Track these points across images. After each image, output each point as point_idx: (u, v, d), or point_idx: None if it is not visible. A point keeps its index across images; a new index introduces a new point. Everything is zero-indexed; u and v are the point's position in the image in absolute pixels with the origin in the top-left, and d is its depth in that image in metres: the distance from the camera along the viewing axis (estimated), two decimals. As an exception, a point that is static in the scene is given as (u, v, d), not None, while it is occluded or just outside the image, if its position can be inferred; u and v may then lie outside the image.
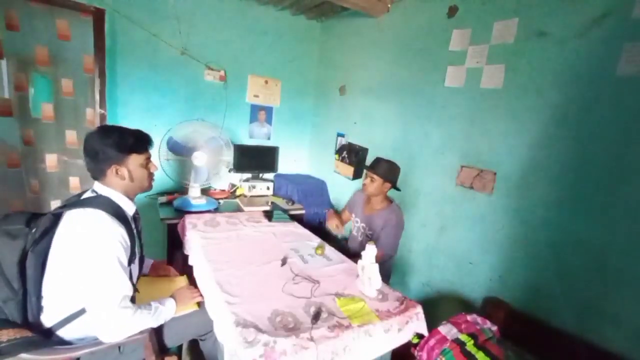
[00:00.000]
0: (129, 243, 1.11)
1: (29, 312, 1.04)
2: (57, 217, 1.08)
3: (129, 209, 1.21)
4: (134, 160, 1.18)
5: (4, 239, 1.03)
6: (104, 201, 1.12)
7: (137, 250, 1.19)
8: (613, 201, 1.26)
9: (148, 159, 1.24)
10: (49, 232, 1.05)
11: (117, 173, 1.15)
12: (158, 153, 2.12)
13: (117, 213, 1.12)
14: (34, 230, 1.05)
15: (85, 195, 1.16)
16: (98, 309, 1.03)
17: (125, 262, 1.09)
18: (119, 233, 1.07)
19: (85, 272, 1.02)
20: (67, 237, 1.04)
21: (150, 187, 1.28)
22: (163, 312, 1.20)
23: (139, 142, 1.19)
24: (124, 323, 1.06)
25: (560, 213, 1.42)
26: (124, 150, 1.15)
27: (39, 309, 1.05)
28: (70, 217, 1.06)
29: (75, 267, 1.03)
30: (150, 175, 1.26)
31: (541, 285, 1.48)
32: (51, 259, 1.05)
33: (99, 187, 1.16)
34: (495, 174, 1.67)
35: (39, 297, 1.04)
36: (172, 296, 1.30)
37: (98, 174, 1.16)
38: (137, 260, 1.20)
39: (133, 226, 1.19)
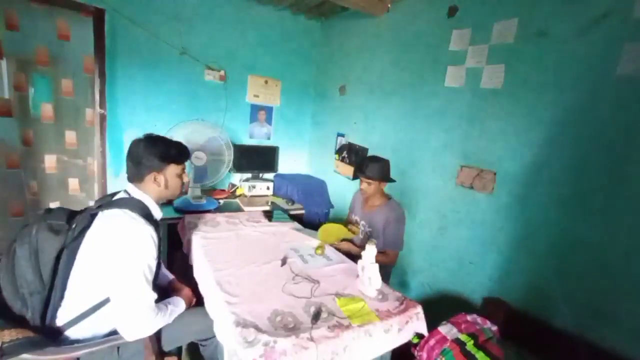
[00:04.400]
0: (158, 245, 1.15)
1: (50, 308, 1.06)
2: (93, 216, 1.11)
3: (157, 214, 1.26)
4: (172, 170, 1.26)
5: (49, 233, 1.06)
6: (137, 204, 1.17)
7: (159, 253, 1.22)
8: (613, 201, 1.26)
9: (183, 169, 1.32)
10: (85, 231, 1.09)
11: (155, 180, 1.21)
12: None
13: (148, 216, 1.17)
14: (74, 227, 1.09)
15: (118, 196, 1.20)
16: (130, 308, 1.06)
17: (155, 266, 1.14)
18: (150, 233, 1.11)
19: (121, 272, 1.05)
20: (100, 237, 1.08)
21: (179, 195, 1.39)
22: (175, 312, 1.24)
23: (180, 154, 1.28)
24: (148, 323, 1.10)
25: (560, 213, 1.42)
26: (165, 160, 1.22)
27: (59, 305, 1.07)
28: (105, 217, 1.10)
29: (105, 265, 1.05)
30: (182, 185, 1.34)
31: (541, 285, 1.48)
32: (80, 257, 1.08)
33: (133, 190, 1.21)
34: (495, 174, 1.67)
35: (62, 293, 1.07)
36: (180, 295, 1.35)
37: (136, 178, 1.22)
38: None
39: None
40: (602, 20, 1.29)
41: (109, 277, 1.06)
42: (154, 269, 1.13)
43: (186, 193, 2.42)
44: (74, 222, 1.11)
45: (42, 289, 1.05)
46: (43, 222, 1.08)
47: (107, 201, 1.18)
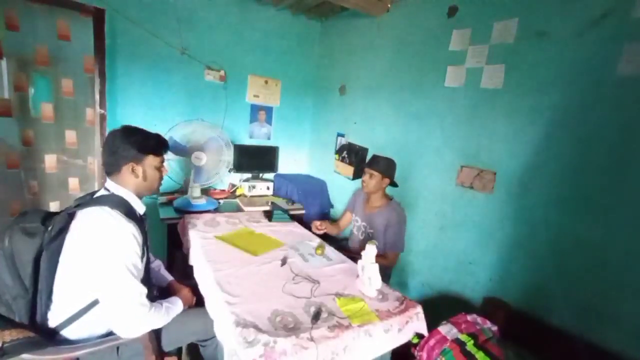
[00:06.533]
0: (141, 241, 1.13)
1: (38, 311, 1.05)
2: (71, 215, 1.09)
3: (139, 208, 1.24)
4: (151, 161, 1.23)
5: (22, 236, 1.04)
6: (117, 200, 1.14)
7: (144, 249, 1.20)
8: (613, 201, 1.26)
9: (162, 162, 1.29)
10: (63, 231, 1.07)
11: (132, 171, 1.19)
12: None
13: (129, 212, 1.14)
14: (50, 229, 1.06)
15: (98, 194, 1.18)
16: (119, 305, 1.05)
17: (140, 262, 1.12)
18: (132, 231, 1.09)
19: (105, 270, 1.04)
20: (81, 236, 1.06)
21: (158, 189, 1.33)
22: (172, 310, 1.22)
23: (158, 145, 1.26)
24: (141, 319, 1.09)
25: (560, 213, 1.42)
26: (143, 150, 1.20)
27: (47, 307, 1.06)
28: (84, 216, 1.08)
29: (89, 265, 1.04)
30: (161, 178, 1.31)
31: (541, 285, 1.48)
32: (64, 257, 1.06)
33: (112, 185, 1.19)
34: (495, 174, 1.67)
35: (49, 295, 1.05)
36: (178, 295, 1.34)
37: (113, 170, 1.18)
38: (144, 260, 1.20)
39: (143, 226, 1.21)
40: (602, 20, 1.29)
41: (95, 277, 1.04)
42: (139, 265, 1.11)
43: (186, 193, 2.42)
44: (51, 223, 1.07)
45: (24, 293, 1.02)
46: (16, 226, 1.05)
47: (86, 199, 1.16)
